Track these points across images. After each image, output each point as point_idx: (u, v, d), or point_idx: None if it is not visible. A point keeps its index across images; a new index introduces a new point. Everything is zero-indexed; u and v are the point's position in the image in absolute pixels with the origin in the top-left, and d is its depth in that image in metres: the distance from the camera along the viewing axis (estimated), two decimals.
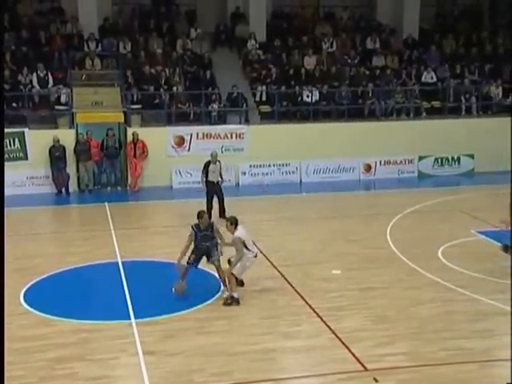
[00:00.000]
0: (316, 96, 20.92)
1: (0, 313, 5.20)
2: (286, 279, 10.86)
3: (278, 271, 11.20)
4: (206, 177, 14.94)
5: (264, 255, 12.14)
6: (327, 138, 19.73)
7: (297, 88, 21.01)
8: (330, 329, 8.89)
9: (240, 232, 9.91)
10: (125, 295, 10.16)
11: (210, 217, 14.70)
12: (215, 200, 15.05)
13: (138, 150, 18.59)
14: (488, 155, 18.43)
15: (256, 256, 10.12)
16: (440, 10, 25.68)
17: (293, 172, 19.90)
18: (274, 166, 19.65)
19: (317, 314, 9.40)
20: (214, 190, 14.95)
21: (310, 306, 9.71)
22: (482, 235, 13.45)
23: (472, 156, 20.81)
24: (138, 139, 18.60)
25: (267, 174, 19.66)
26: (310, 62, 22.10)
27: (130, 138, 18.72)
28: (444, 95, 21.82)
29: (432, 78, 22.20)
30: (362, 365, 7.84)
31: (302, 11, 24.72)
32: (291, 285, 10.61)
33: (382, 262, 11.84)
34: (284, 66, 21.97)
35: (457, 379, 7.54)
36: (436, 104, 21.75)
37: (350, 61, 22.61)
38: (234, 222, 9.95)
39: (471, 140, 20.32)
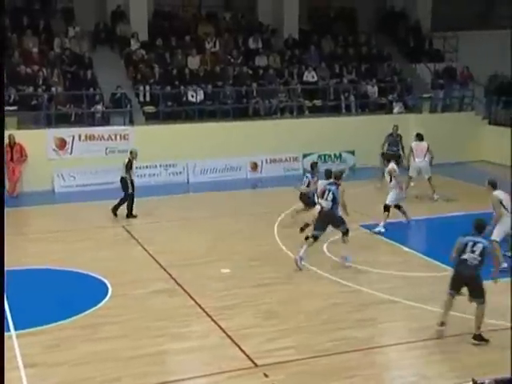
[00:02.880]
0: (201, 96, 20.88)
1: (0, 314, 4.83)
2: (175, 280, 10.75)
3: (168, 273, 11.07)
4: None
5: (152, 257, 11.99)
6: (213, 137, 19.72)
7: (181, 88, 20.87)
8: (221, 328, 8.91)
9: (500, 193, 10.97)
10: (3, 306, 9.60)
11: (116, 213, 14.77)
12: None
13: (15, 154, 17.68)
14: (367, 151, 19.22)
15: None
16: (318, 11, 26.43)
17: (180, 172, 19.71)
18: (160, 166, 19.35)
19: (207, 314, 9.39)
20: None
21: (200, 307, 9.67)
22: (365, 228, 13.99)
23: (353, 152, 21.62)
24: (14, 142, 17.69)
25: (154, 174, 19.37)
26: (193, 61, 22.01)
27: (6, 140, 17.78)
28: (324, 94, 22.53)
29: (313, 77, 22.83)
30: (252, 361, 7.92)
31: (184, 11, 24.62)
32: (181, 286, 10.52)
33: (270, 260, 12.02)
34: (167, 66, 21.76)
35: (343, 368, 7.81)
36: (317, 102, 22.36)
37: (233, 60, 22.76)
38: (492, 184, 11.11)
39: (351, 137, 21.05)
